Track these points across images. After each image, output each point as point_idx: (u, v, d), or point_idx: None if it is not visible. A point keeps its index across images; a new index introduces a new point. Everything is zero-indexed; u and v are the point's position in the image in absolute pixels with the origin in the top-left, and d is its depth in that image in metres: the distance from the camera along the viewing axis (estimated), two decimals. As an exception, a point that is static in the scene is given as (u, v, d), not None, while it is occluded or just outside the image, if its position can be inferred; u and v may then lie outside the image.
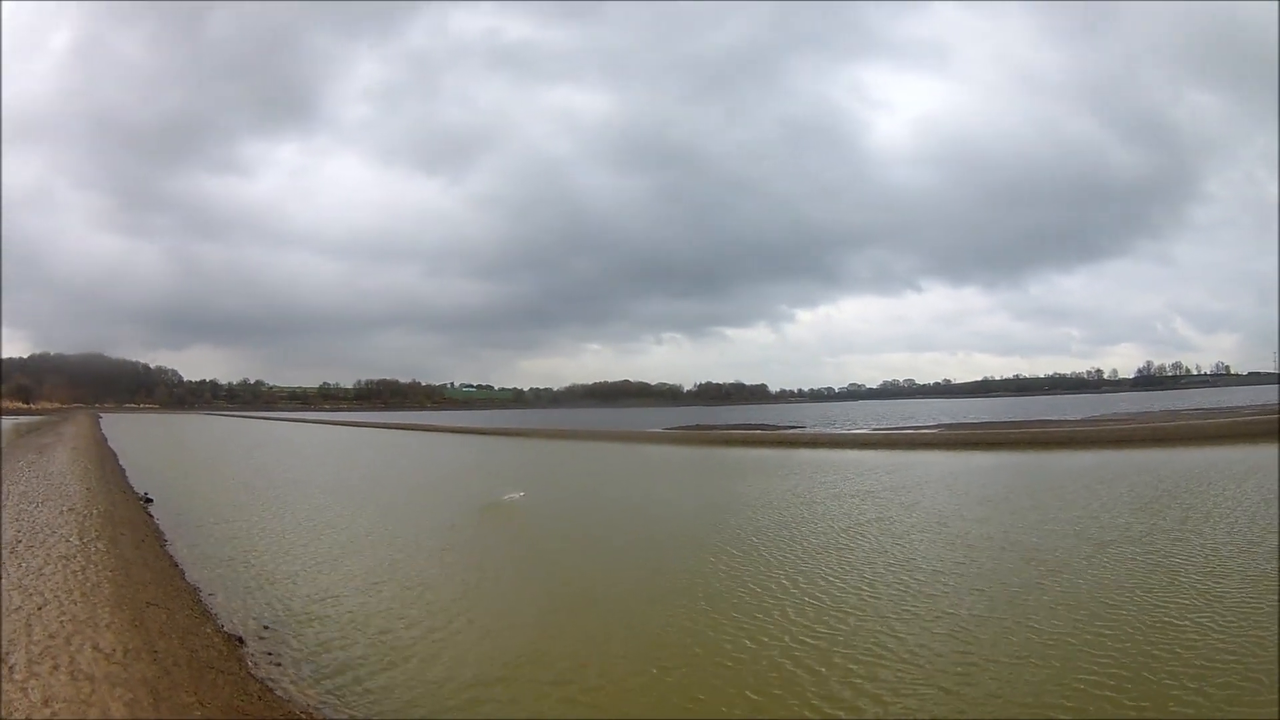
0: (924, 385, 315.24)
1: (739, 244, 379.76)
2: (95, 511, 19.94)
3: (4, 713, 6.69)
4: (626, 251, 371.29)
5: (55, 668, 7.83)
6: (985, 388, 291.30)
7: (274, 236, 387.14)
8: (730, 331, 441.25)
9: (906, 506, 23.87)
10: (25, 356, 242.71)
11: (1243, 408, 69.43)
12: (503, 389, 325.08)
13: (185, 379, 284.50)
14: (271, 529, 22.46)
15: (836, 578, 15.21)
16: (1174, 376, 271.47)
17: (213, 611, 13.64)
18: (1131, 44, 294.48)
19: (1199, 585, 13.63)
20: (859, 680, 10.04)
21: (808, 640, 11.63)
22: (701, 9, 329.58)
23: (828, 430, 73.06)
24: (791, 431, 71.60)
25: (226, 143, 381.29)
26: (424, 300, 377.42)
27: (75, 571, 12.59)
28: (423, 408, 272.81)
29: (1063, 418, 74.33)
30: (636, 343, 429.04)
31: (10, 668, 7.73)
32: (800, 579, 15.21)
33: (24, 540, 14.94)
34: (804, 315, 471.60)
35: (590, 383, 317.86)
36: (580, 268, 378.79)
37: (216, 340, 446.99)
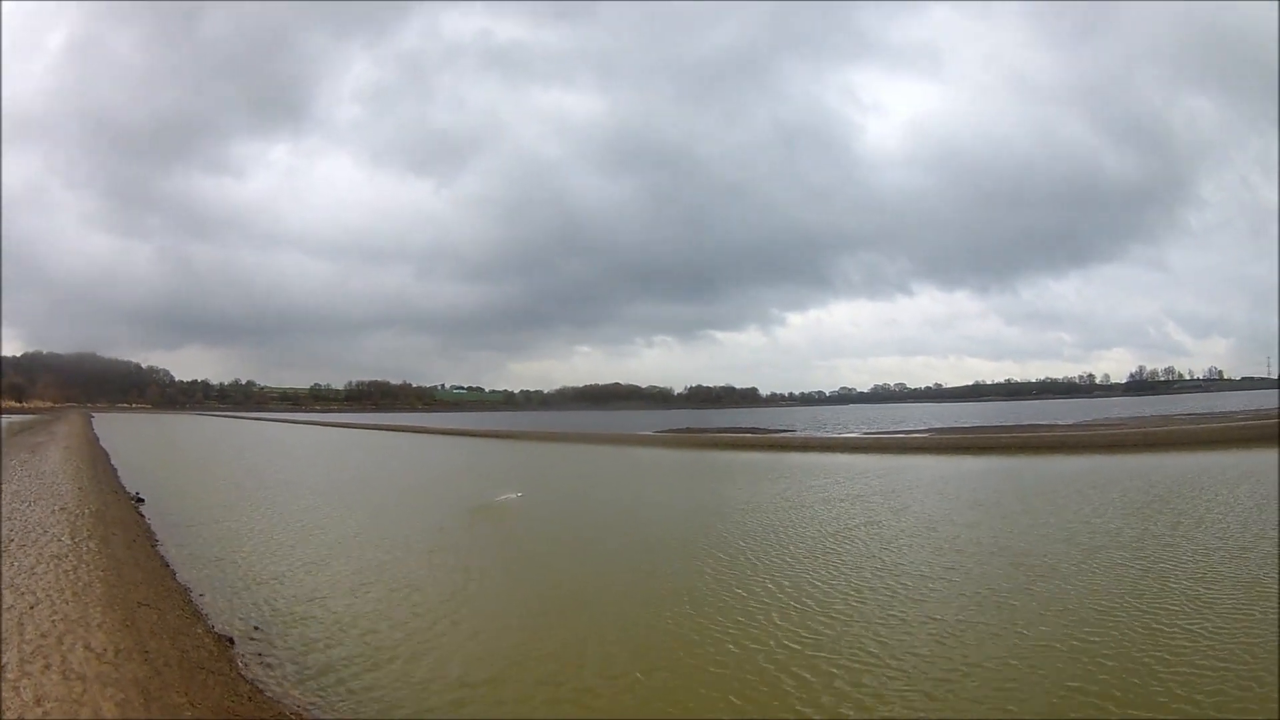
0: (915, 389, 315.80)
1: (730, 247, 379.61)
2: (87, 511, 19.95)
3: (-3, 711, 6.74)
4: (617, 254, 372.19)
5: (47, 667, 7.88)
6: (976, 392, 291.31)
7: (266, 237, 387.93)
8: (721, 334, 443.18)
9: (896, 511, 23.92)
10: (18, 355, 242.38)
11: (1236, 413, 69.26)
12: (493, 391, 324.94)
13: (177, 379, 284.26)
14: (262, 529, 22.48)
15: (824, 582, 15.23)
16: (1166, 381, 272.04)
17: (203, 612, 13.70)
18: (1126, 48, 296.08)
19: (1190, 591, 13.60)
20: (842, 685, 10.07)
21: (792, 645, 11.65)
22: (694, 11, 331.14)
23: (818, 434, 73.05)
24: (782, 435, 71.50)
25: (219, 143, 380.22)
26: (415, 302, 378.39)
27: (67, 571, 12.62)
28: (413, 409, 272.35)
29: (1054, 422, 74.46)
30: (627, 345, 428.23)
31: (3, 667, 7.78)
32: (786, 583, 15.24)
33: (16, 539, 14.96)
34: (795, 318, 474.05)
35: (581, 385, 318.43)
36: (571, 270, 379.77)
37: (208, 340, 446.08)
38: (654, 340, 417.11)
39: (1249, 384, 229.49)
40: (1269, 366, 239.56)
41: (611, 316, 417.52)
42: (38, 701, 7.01)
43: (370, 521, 23.87)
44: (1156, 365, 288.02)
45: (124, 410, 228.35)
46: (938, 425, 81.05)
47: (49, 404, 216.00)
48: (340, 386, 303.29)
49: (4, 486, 23.31)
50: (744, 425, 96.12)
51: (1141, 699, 9.33)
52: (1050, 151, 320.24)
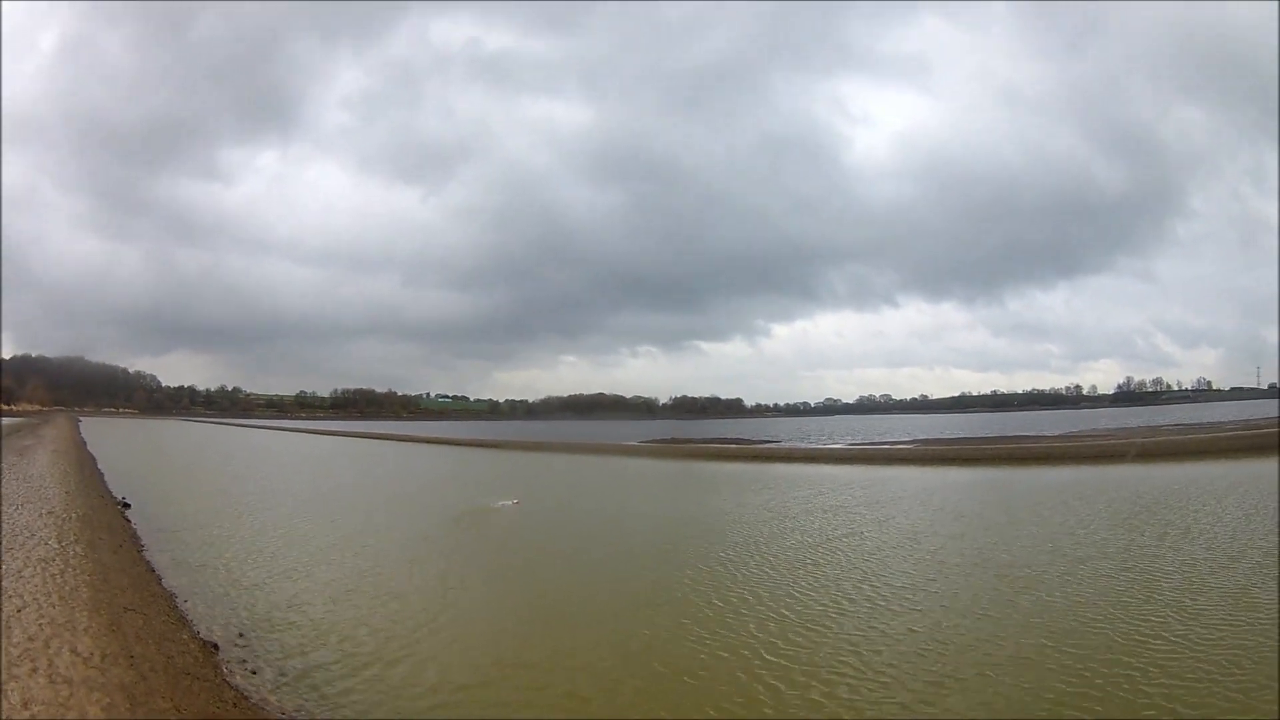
0: (901, 401, 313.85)
1: (716, 258, 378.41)
2: (74, 515, 19.93)
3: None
4: (603, 264, 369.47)
5: (34, 670, 7.95)
6: (963, 403, 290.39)
7: (253, 243, 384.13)
8: (706, 345, 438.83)
9: (879, 522, 24.00)
10: (8, 358, 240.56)
11: (1224, 423, 69.44)
12: (479, 400, 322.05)
13: (164, 384, 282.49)
14: (246, 536, 22.52)
15: (804, 594, 15.25)
16: (1155, 392, 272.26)
17: (189, 617, 13.75)
18: (1117, 58, 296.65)
19: (1177, 602, 13.57)
20: (817, 697, 10.09)
21: (769, 656, 11.65)
22: (683, 21, 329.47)
23: (803, 445, 72.96)
24: (767, 446, 71.69)
25: (208, 148, 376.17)
26: (401, 310, 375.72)
27: (54, 575, 12.65)
28: (399, 418, 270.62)
29: (1040, 433, 74.84)
30: (612, 355, 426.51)
31: (-10, 670, 7.84)
32: (765, 594, 15.27)
33: (4, 542, 14.95)
34: (780, 330, 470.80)
35: (566, 395, 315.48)
36: (557, 279, 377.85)
37: (195, 346, 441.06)
38: (639, 350, 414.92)
39: (1238, 394, 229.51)
40: (1258, 377, 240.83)
41: (597, 326, 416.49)
42: (25, 705, 7.08)
43: (354, 529, 23.91)
44: (1145, 376, 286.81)
45: (111, 415, 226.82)
46: (923, 436, 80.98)
47: (37, 407, 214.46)
48: (326, 394, 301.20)
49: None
50: (729, 436, 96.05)
51: (1126, 710, 9.31)
52: (1039, 163, 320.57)
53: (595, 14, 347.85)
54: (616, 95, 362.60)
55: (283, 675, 11.11)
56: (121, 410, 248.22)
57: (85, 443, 69.05)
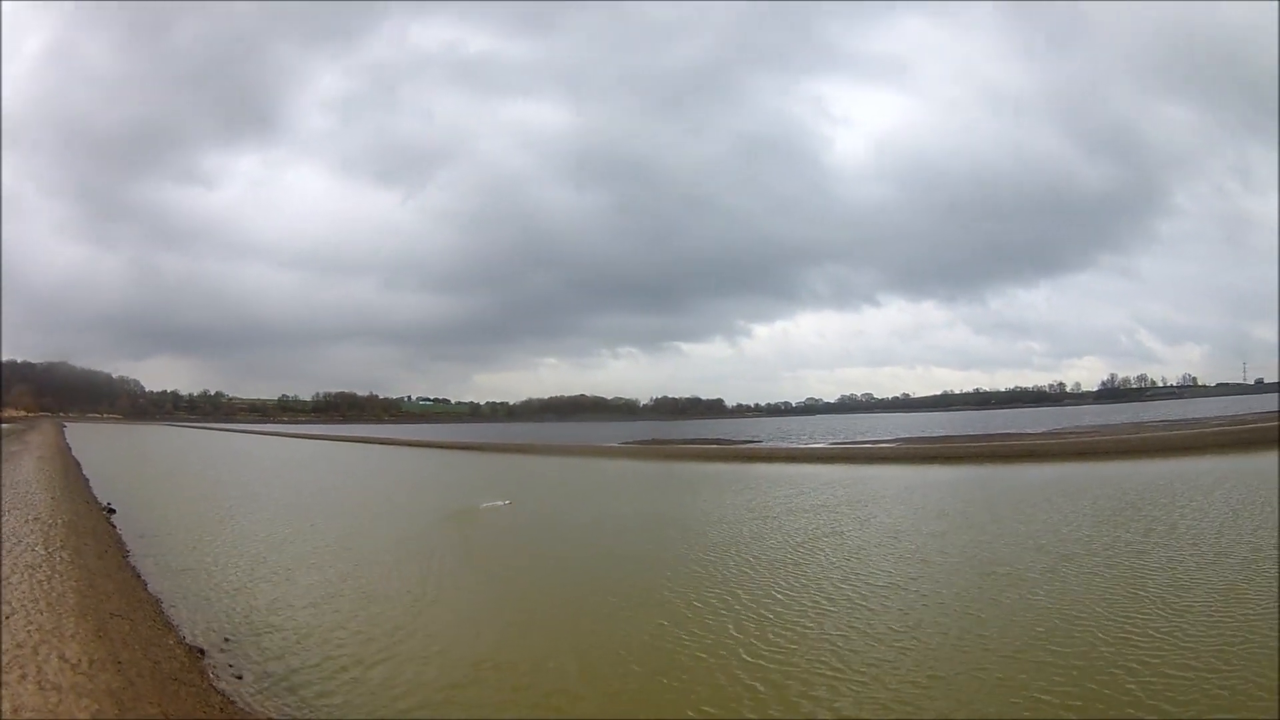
0: (883, 399, 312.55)
1: (696, 259, 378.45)
2: (60, 521, 19.91)
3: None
4: (583, 266, 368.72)
5: (23, 677, 8.02)
6: (945, 402, 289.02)
7: (234, 248, 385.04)
8: (686, 346, 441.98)
9: (861, 521, 24.08)
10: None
11: (1210, 419, 69.36)
12: (459, 403, 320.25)
13: (147, 389, 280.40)
14: (230, 541, 22.61)
15: (784, 593, 15.24)
16: (1139, 389, 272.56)
17: (174, 623, 13.82)
18: (1100, 57, 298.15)
19: (1162, 598, 13.49)
20: (794, 697, 10.07)
21: (747, 657, 11.61)
22: (662, 23, 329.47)
23: (784, 444, 72.85)
24: (748, 446, 71.77)
25: (189, 152, 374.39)
26: (381, 313, 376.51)
27: (41, 581, 12.68)
28: (380, 421, 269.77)
29: (1023, 430, 75.20)
30: (593, 357, 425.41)
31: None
32: (745, 594, 15.25)
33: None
34: (761, 330, 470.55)
35: (546, 397, 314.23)
36: (537, 282, 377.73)
37: (177, 351, 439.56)
38: (619, 352, 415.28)
39: (1224, 390, 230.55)
40: (1244, 372, 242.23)
41: (577, 328, 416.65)
42: (14, 712, 7.16)
43: (336, 533, 24.00)
44: (1129, 373, 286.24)
45: (95, 420, 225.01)
46: (905, 435, 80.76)
47: (21, 413, 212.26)
48: (307, 397, 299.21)
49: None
50: (710, 436, 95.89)
51: (1110, 708, 9.29)
52: (1021, 162, 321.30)
53: (574, 16, 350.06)
54: (596, 97, 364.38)
55: (265, 678, 11.20)
56: (106, 416, 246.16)
57: (70, 448, 68.65)
